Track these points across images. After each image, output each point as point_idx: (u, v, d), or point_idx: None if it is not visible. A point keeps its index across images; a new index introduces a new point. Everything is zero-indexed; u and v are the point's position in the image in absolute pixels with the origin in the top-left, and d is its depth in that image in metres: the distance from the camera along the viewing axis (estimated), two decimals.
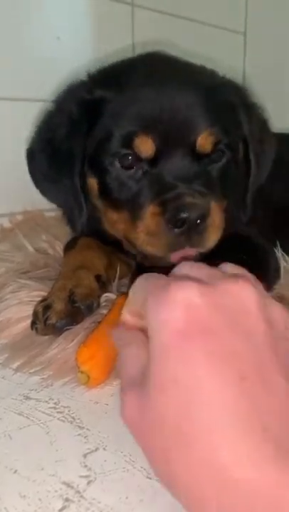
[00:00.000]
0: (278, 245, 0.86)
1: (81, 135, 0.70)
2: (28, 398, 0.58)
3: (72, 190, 0.73)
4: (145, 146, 0.66)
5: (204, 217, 0.63)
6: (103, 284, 0.76)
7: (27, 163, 0.79)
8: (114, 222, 0.74)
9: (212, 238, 0.66)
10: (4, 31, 1.08)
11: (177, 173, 0.65)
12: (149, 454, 0.35)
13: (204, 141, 0.67)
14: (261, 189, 0.96)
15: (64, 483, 0.44)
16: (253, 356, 0.31)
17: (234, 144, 0.72)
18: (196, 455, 0.30)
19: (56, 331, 0.67)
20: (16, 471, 0.46)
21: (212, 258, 0.52)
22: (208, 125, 0.67)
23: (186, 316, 0.32)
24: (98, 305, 0.73)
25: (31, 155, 0.79)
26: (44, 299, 0.71)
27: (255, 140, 0.76)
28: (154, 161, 0.66)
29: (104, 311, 0.72)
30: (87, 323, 0.69)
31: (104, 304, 0.74)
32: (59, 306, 0.68)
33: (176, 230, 0.63)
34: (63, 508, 0.41)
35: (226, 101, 0.73)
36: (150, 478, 0.45)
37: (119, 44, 1.28)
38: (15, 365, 0.65)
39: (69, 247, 0.84)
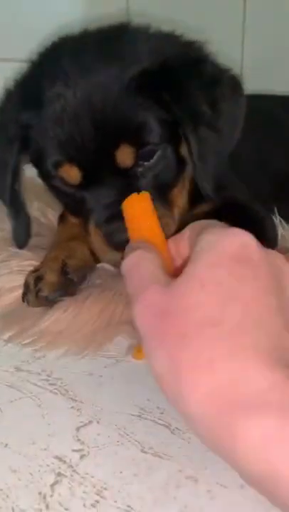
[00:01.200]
0: (276, 212, 0.84)
1: (13, 152, 0.68)
2: (19, 370, 0.57)
3: (5, 200, 0.73)
4: (71, 175, 0.64)
5: None
6: (96, 256, 0.74)
7: None
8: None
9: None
10: None
11: (106, 194, 0.64)
12: (166, 355, 0.34)
13: (122, 157, 0.63)
14: (259, 154, 0.93)
15: (56, 457, 0.43)
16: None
17: (162, 130, 0.64)
18: (225, 345, 0.33)
19: (48, 303, 0.65)
20: (6, 445, 0.45)
21: None
22: (121, 140, 0.62)
23: (242, 247, 0.37)
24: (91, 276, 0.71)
25: None
26: (36, 270, 0.68)
27: (196, 105, 0.65)
28: (84, 185, 0.65)
29: (98, 281, 0.71)
30: (81, 295, 0.67)
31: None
32: (51, 277, 0.66)
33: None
34: (55, 482, 0.40)
35: (143, 76, 0.63)
36: (145, 452, 0.44)
37: (112, 6, 1.22)
38: (6, 336, 0.63)
39: (63, 217, 0.82)
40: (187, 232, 0.45)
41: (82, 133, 0.62)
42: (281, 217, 0.84)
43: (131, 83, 0.63)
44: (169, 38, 0.70)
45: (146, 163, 0.64)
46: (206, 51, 0.70)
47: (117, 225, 0.60)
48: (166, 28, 0.72)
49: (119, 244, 0.59)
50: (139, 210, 0.54)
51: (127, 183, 0.64)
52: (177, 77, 0.65)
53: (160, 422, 0.48)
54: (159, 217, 0.54)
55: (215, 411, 0.31)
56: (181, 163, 0.68)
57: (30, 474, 0.41)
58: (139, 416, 0.49)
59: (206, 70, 0.68)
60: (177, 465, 0.42)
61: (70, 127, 0.63)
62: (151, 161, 0.65)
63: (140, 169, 0.64)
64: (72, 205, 0.70)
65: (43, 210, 0.92)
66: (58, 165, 0.64)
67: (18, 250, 0.76)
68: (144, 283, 0.39)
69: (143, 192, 0.55)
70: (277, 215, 0.84)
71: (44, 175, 0.69)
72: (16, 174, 0.70)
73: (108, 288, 0.69)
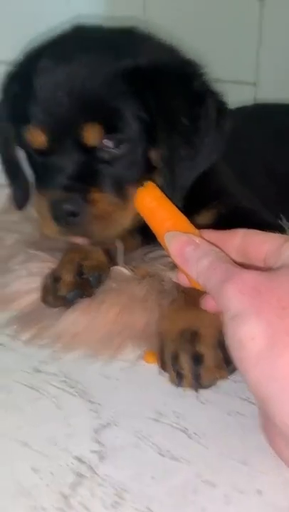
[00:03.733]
0: (283, 219, 0.84)
1: (4, 116, 0.70)
2: (38, 371, 0.58)
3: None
4: (36, 139, 0.65)
5: (79, 209, 0.62)
6: (111, 257, 0.75)
7: None
8: None
9: (101, 229, 0.64)
10: None
11: (63, 166, 0.64)
12: (264, 322, 0.39)
13: (87, 134, 0.63)
14: (264, 160, 0.94)
15: (76, 458, 0.44)
16: None
17: (136, 127, 0.64)
18: None
19: (67, 302, 0.67)
20: (27, 445, 0.46)
21: None
22: (91, 117, 0.63)
23: None
24: (107, 277, 0.72)
25: None
26: (53, 271, 0.70)
27: (175, 114, 0.66)
28: (47, 151, 0.65)
29: (114, 285, 0.72)
30: (97, 298, 0.68)
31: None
32: (68, 277, 0.68)
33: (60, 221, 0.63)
34: (76, 483, 0.41)
35: (128, 74, 0.64)
36: (162, 456, 0.44)
37: (131, 9, 1.23)
38: (24, 337, 0.65)
39: None
40: (239, 233, 0.50)
41: (57, 101, 0.63)
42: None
43: (119, 72, 0.64)
44: (169, 49, 0.71)
45: (111, 150, 0.64)
46: (201, 71, 0.70)
47: (66, 195, 0.62)
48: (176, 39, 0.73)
49: (62, 215, 0.62)
50: (155, 201, 0.57)
51: (89, 162, 0.64)
52: (165, 82, 0.66)
53: (177, 426, 0.49)
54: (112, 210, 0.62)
55: None
56: (149, 166, 0.67)
57: (51, 474, 0.42)
58: (156, 419, 0.49)
59: (196, 85, 0.68)
60: (195, 469, 0.43)
61: (48, 94, 0.64)
62: (117, 149, 0.64)
63: (104, 154, 0.64)
64: (39, 173, 0.70)
65: None
66: (27, 128, 0.65)
67: (36, 252, 0.78)
68: (226, 267, 0.44)
69: (148, 183, 0.60)
70: (284, 221, 0.84)
71: (21, 144, 0.70)
72: (8, 141, 0.72)
73: (124, 292, 0.70)
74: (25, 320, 0.67)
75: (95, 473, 0.42)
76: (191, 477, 0.42)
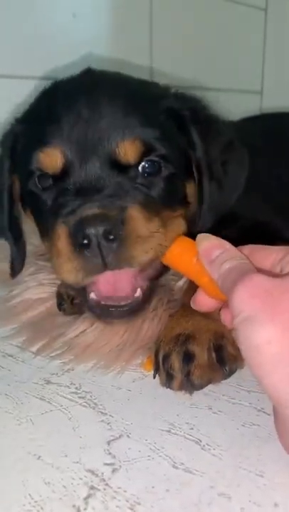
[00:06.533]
0: None
1: (5, 172, 0.67)
2: (49, 382, 0.57)
3: (3, 225, 0.69)
4: (50, 161, 0.58)
5: (114, 227, 0.52)
6: None
7: None
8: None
9: (138, 253, 0.54)
10: (16, 8, 1.04)
11: (89, 186, 0.56)
12: (279, 326, 0.38)
13: (124, 150, 0.57)
14: (281, 176, 0.94)
15: (89, 470, 0.43)
16: None
17: (177, 158, 0.62)
18: None
19: (80, 311, 0.68)
20: (39, 457, 0.45)
21: None
22: (130, 132, 0.57)
23: None
24: None
25: None
26: None
27: (214, 162, 0.66)
28: (66, 175, 0.58)
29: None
30: None
31: None
32: None
33: (85, 251, 0.52)
34: (89, 496, 0.41)
35: (170, 112, 0.63)
36: (176, 468, 0.44)
37: (136, 22, 1.24)
38: (34, 348, 0.65)
39: None
40: (245, 249, 0.50)
41: (79, 119, 0.57)
42: None
43: (163, 107, 0.63)
44: (186, 95, 0.71)
45: (149, 171, 0.59)
46: (212, 110, 0.72)
47: (89, 212, 0.52)
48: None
49: (94, 236, 0.51)
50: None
51: (117, 179, 0.56)
52: (206, 125, 0.66)
53: (190, 437, 0.48)
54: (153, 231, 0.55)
55: None
56: (182, 198, 0.65)
57: (64, 487, 0.42)
58: (169, 431, 0.49)
59: (223, 130, 0.70)
60: (209, 481, 0.42)
61: (67, 115, 0.58)
62: (159, 174, 0.60)
63: (141, 175, 0.59)
64: (44, 212, 0.61)
65: None
66: (37, 151, 0.58)
67: (45, 263, 0.78)
68: (241, 270, 0.44)
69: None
70: None
71: (26, 189, 0.63)
72: (12, 197, 0.68)
73: None
74: (35, 331, 0.67)
75: (108, 485, 0.42)
76: (206, 489, 0.41)
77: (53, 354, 0.63)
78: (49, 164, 0.58)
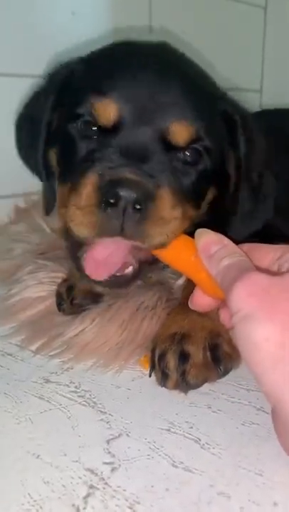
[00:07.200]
0: None
1: (48, 107, 0.65)
2: (48, 381, 0.57)
3: (37, 160, 0.68)
4: (105, 111, 0.56)
5: (145, 200, 0.52)
6: None
7: (15, 132, 0.75)
8: (60, 200, 0.64)
9: (155, 233, 0.53)
10: (16, 6, 1.04)
11: (134, 151, 0.55)
12: (278, 323, 0.39)
13: (177, 130, 0.57)
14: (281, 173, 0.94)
15: (88, 469, 0.43)
16: None
17: (217, 156, 0.62)
18: None
19: (80, 310, 0.68)
20: (38, 456, 0.45)
21: None
22: (188, 116, 0.58)
23: None
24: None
25: (19, 126, 0.75)
26: (65, 280, 0.72)
27: (253, 169, 0.66)
28: (113, 131, 0.57)
29: (124, 293, 0.71)
30: (107, 306, 0.68)
31: None
32: (82, 285, 0.69)
33: (108, 209, 0.51)
34: (88, 495, 0.41)
35: (225, 114, 0.64)
36: (175, 467, 0.44)
37: (136, 20, 1.24)
38: (34, 346, 0.64)
39: None
40: (243, 247, 0.49)
41: (146, 84, 0.57)
42: None
43: (220, 110, 0.64)
44: (239, 102, 0.71)
45: (190, 159, 0.59)
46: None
47: (130, 176, 0.52)
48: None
49: (123, 198, 0.50)
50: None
51: (160, 157, 0.56)
52: (251, 135, 0.66)
53: (189, 436, 0.48)
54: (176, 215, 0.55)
55: None
56: (201, 198, 0.64)
57: (63, 486, 0.41)
58: (168, 430, 0.49)
59: (264, 146, 0.69)
60: (208, 480, 0.42)
61: (134, 71, 0.58)
62: (196, 165, 0.60)
63: (181, 160, 0.59)
64: (76, 158, 0.59)
65: None
66: (95, 98, 0.57)
67: (44, 262, 0.78)
68: (240, 267, 0.44)
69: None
70: None
71: (62, 128, 0.62)
72: (49, 133, 0.66)
73: (133, 300, 0.69)
74: (34, 329, 0.67)
75: (107, 484, 0.42)
76: (205, 488, 0.41)
77: (52, 353, 0.63)
78: (102, 115, 0.57)
